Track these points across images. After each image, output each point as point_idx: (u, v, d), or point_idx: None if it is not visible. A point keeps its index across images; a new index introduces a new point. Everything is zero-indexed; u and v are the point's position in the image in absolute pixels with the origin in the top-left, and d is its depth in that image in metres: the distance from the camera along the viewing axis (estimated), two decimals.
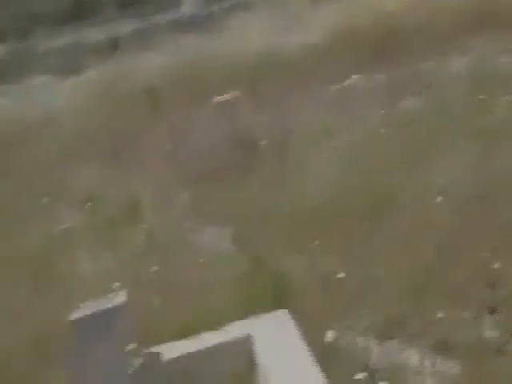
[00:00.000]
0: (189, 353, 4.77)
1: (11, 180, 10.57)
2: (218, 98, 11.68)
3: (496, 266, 5.06)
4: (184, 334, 5.09)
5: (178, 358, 4.73)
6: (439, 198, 6.46)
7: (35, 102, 15.33)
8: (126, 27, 21.91)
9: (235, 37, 16.91)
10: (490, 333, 4.57)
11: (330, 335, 4.91)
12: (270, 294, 5.43)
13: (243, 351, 4.72)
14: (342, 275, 5.52)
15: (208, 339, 4.94)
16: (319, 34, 15.32)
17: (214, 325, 5.06)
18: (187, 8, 22.91)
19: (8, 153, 12.22)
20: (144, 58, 17.16)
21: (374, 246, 5.84)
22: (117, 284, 5.72)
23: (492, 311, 4.79)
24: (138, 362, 4.65)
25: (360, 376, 4.32)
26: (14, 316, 5.90)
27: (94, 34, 22.10)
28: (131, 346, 4.66)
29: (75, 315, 4.74)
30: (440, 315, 4.75)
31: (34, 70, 19.88)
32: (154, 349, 4.81)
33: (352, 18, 15.01)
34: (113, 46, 20.86)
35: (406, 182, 7.08)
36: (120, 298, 4.95)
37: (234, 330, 5.00)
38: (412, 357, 4.62)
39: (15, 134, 13.26)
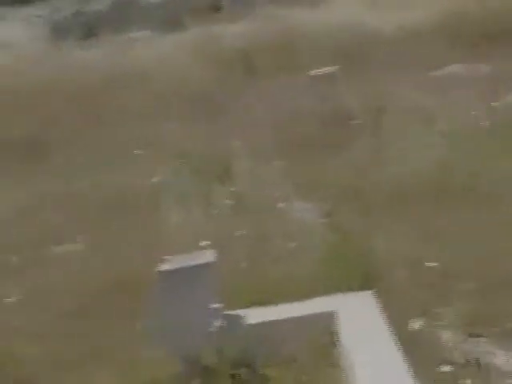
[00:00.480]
0: (271, 320, 4.80)
1: (105, 130, 10.74)
2: (314, 71, 11.55)
3: None
4: (267, 300, 5.09)
5: (261, 323, 4.76)
6: None
7: (133, 55, 15.51)
8: None
9: (335, 12, 16.59)
10: None
11: (415, 324, 4.80)
12: (356, 272, 5.33)
13: (326, 327, 4.69)
14: (433, 264, 5.37)
15: (291, 309, 4.95)
16: (422, 16, 14.85)
17: (298, 296, 5.05)
18: None
19: (104, 103, 12.41)
20: (243, 23, 17.06)
21: (470, 235, 5.66)
22: (204, 242, 5.73)
23: None
24: (219, 321, 4.71)
25: (446, 369, 4.19)
26: (105, 258, 6.02)
27: None
28: (214, 306, 4.75)
29: (162, 267, 4.89)
30: None
31: (135, 23, 20.16)
32: (237, 311, 4.86)
33: (461, 1, 14.52)
34: (215, 7, 20.89)
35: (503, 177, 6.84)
36: (207, 256, 5.04)
37: (317, 304, 5.00)
38: (500, 357, 4.44)
39: (111, 85, 13.43)
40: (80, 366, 4.55)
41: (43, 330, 4.89)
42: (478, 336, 4.67)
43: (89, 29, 20.33)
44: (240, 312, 4.87)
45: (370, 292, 5.03)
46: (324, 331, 4.66)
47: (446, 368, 4.21)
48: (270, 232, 6.26)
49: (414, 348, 4.30)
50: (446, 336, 4.66)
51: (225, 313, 4.79)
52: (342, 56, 12.45)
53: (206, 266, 4.87)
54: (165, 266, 4.91)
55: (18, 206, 7.75)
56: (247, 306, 5.01)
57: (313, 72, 11.65)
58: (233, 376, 4.39)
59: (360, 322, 4.58)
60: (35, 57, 15.38)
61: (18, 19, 19.22)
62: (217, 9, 20.68)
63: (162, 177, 8.22)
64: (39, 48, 17.01)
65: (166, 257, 5.11)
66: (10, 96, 12.27)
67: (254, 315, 4.85)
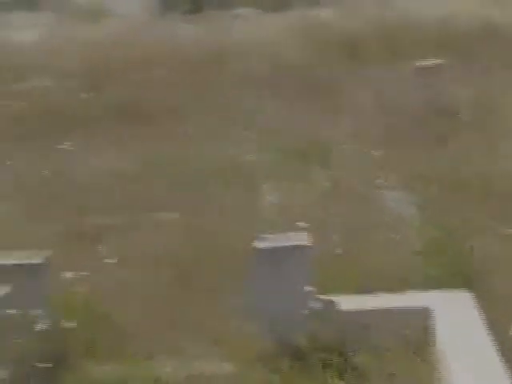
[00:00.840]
0: (365, 309, 4.75)
1: (207, 102, 10.80)
2: (420, 62, 11.27)
3: None
4: (361, 288, 5.03)
5: (354, 311, 4.72)
6: None
7: (237, 31, 15.64)
8: None
9: (446, 4, 16.12)
10: None
11: None
12: (455, 270, 5.19)
13: (420, 322, 4.60)
14: None
15: (386, 300, 4.86)
16: None
17: (393, 287, 4.95)
18: None
19: (206, 76, 12.54)
20: (349, 7, 16.85)
21: None
22: (300, 223, 5.70)
23: None
24: (313, 305, 4.71)
25: None
26: (201, 229, 6.09)
27: None
28: (308, 289, 4.75)
29: (257, 244, 4.91)
30: None
31: (238, 1, 20.46)
32: (331, 296, 4.80)
33: None
34: None
35: None
36: (302, 238, 5.03)
37: (412, 298, 4.91)
38: None
39: (214, 59, 13.59)
40: (171, 331, 4.61)
41: (138, 292, 5.01)
42: None
43: (195, 3, 21.06)
44: (333, 297, 4.82)
45: (468, 292, 4.87)
46: (418, 326, 4.58)
47: None
48: (367, 220, 6.16)
49: None
50: None
51: (318, 297, 4.77)
52: (451, 48, 12.06)
53: (302, 247, 4.88)
54: (260, 244, 4.94)
55: (123, 170, 7.93)
56: (341, 293, 4.95)
57: (419, 63, 11.36)
58: (323, 360, 4.35)
59: (457, 322, 4.45)
60: (143, 27, 15.76)
61: None
62: None
63: (263, 154, 8.23)
64: (148, 19, 17.50)
65: (261, 234, 5.10)
66: (118, 63, 12.59)
67: (348, 302, 4.80)
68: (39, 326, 4.39)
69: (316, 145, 8.21)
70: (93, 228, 6.41)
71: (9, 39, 15.15)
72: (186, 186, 7.25)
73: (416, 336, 4.52)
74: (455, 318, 4.51)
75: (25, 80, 12.46)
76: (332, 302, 4.76)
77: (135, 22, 16.74)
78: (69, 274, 4.86)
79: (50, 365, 4.24)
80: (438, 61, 11.31)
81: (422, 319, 4.61)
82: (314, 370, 4.40)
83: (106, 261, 5.42)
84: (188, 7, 20.84)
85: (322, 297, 4.79)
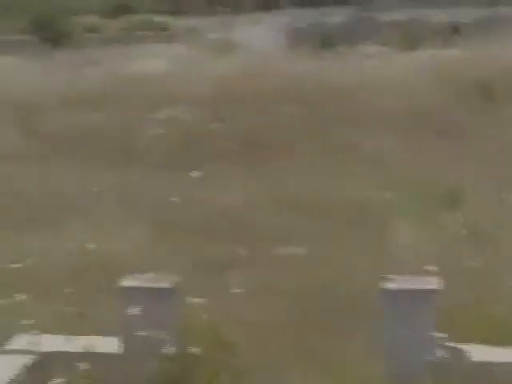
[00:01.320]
0: (496, 361, 4.53)
1: (329, 138, 10.98)
2: None
3: None
4: (492, 339, 4.80)
5: (484, 362, 4.51)
6: None
7: (367, 68, 15.82)
8: (469, 14, 21.55)
9: None
10: None
11: None
12: None
13: None
14: None
15: None
16: None
17: None
18: None
19: (332, 111, 12.75)
20: (483, 47, 16.64)
21: None
22: (429, 267, 5.58)
23: None
24: (440, 352, 4.57)
25: None
26: (327, 266, 6.13)
27: (435, 14, 22.09)
28: (435, 334, 4.62)
29: (386, 284, 4.87)
30: None
31: (370, 38, 20.67)
32: (459, 345, 4.65)
33: None
34: (453, 30, 20.80)
35: None
36: (432, 282, 4.91)
37: None
38: None
39: (342, 94, 13.77)
40: (296, 366, 4.67)
41: (264, 324, 5.09)
42: None
43: (325, 39, 21.46)
44: (462, 346, 4.66)
45: None
46: None
47: None
48: (500, 267, 5.92)
49: None
50: None
51: (446, 344, 4.64)
52: None
53: (431, 292, 4.78)
54: (389, 285, 4.88)
55: (250, 201, 8.16)
56: (469, 342, 4.75)
57: None
58: None
59: None
60: (272, 61, 16.35)
61: (267, 23, 20.87)
62: (455, 31, 20.53)
63: (390, 193, 8.18)
64: (277, 53, 18.13)
65: (389, 275, 5.05)
66: (247, 95, 13.10)
67: (477, 352, 4.61)
68: (166, 349, 4.51)
69: (446, 186, 8.08)
70: (221, 257, 6.58)
71: (143, 69, 16.16)
72: (313, 220, 7.34)
73: None
74: None
75: (159, 109, 13.20)
76: (461, 350, 4.60)
77: (265, 56, 17.34)
78: (196, 300, 4.98)
79: None
80: None
81: None
82: None
83: (233, 290, 5.53)
84: (318, 43, 21.34)
85: (450, 344, 4.64)
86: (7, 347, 4.84)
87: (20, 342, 4.87)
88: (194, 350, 4.57)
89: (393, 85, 13.82)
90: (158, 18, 26.29)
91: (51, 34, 22.83)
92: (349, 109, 12.43)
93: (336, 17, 23.88)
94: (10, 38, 22.47)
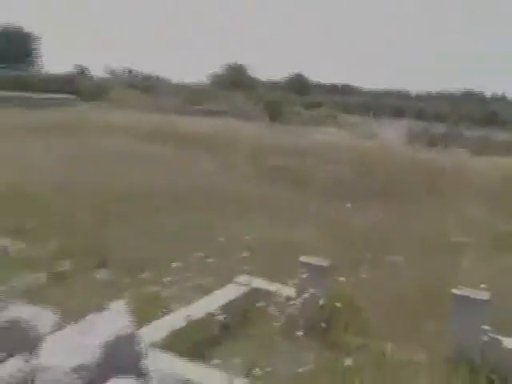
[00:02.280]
0: None
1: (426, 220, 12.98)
2: None
3: None
4: None
5: None
6: None
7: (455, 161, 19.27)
8: None
9: None
10: None
11: None
12: None
13: None
14: None
15: None
16: None
17: None
18: None
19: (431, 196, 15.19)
20: None
21: None
22: (482, 285, 6.74)
23: None
24: (486, 339, 6.21)
25: None
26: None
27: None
28: (485, 327, 6.21)
29: (456, 291, 6.53)
30: None
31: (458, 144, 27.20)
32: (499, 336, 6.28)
33: None
34: None
35: None
36: (485, 294, 6.46)
37: None
38: None
39: (444, 183, 16.36)
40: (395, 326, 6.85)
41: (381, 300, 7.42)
42: None
43: (432, 140, 27.47)
44: (502, 337, 6.27)
45: None
46: None
47: None
48: None
49: None
50: None
51: (491, 335, 6.21)
52: None
53: (484, 301, 6.33)
54: (458, 292, 6.55)
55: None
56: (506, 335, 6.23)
57: None
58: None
59: None
60: (395, 149, 19.97)
61: (396, 125, 27.35)
62: None
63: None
64: (400, 145, 22.36)
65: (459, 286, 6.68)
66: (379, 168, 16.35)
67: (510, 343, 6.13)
68: (321, 301, 6.92)
69: None
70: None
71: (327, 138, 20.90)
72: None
73: None
74: None
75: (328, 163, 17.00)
76: (498, 339, 6.23)
77: (392, 142, 21.81)
78: (341, 279, 7.39)
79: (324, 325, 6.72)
80: None
81: None
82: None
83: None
84: (427, 142, 27.00)
85: (493, 335, 6.23)
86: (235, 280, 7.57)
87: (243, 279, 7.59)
88: (337, 304, 6.95)
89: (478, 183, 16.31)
90: (334, 113, 40.36)
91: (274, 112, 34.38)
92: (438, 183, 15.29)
93: (439, 128, 33.71)
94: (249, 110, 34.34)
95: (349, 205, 11.31)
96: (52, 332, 4.03)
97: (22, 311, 4.12)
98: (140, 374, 3.74)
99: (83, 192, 11.91)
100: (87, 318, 4.03)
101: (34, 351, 3.82)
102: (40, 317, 4.14)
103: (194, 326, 6.24)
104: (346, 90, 59.40)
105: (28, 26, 51.07)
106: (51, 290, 7.04)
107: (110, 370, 3.62)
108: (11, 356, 3.81)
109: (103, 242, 8.75)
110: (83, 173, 13.99)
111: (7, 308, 4.30)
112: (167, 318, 6.45)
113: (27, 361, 3.74)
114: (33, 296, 6.28)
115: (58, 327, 4.14)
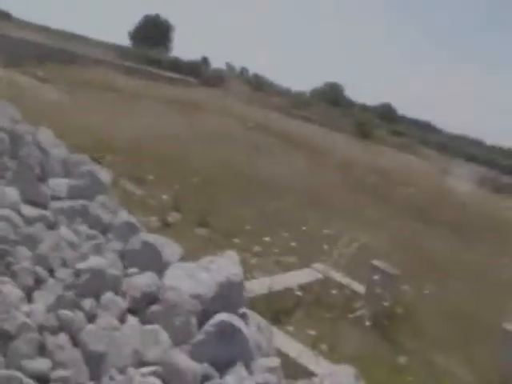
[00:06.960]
0: None
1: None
2: None
3: None
4: None
5: None
6: None
7: None
8: None
9: None
10: None
11: None
12: None
13: None
14: None
15: None
16: None
17: None
18: None
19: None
20: None
21: None
22: None
23: None
24: None
25: None
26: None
27: None
28: None
29: (506, 326, 6.79)
30: None
31: None
32: None
33: None
34: None
35: None
36: None
37: None
38: None
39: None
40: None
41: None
42: None
43: (500, 188, 27.95)
44: None
45: None
46: None
47: None
48: None
49: None
50: None
51: None
52: None
53: None
54: (508, 326, 6.76)
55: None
56: None
57: None
58: None
59: None
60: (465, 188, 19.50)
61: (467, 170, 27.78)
62: None
63: None
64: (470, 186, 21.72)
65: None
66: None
67: None
68: (384, 303, 7.05)
69: None
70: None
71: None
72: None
73: None
74: None
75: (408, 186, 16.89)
76: None
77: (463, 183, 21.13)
78: (405, 287, 7.62)
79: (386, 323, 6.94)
80: None
81: None
82: None
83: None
84: (495, 188, 26.01)
85: None
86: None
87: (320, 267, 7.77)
88: (399, 309, 7.15)
89: None
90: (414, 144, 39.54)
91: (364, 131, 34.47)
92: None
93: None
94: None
95: (421, 226, 11.28)
96: (177, 262, 4.27)
97: (153, 238, 4.36)
98: (242, 317, 3.90)
99: (202, 161, 12.29)
100: (206, 259, 4.23)
101: (161, 273, 4.06)
102: (168, 246, 4.39)
103: (274, 295, 6.39)
104: (426, 127, 59.02)
105: (167, 16, 53.28)
106: (161, 233, 7.35)
107: (219, 306, 3.81)
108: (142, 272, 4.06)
109: (209, 207, 9.02)
110: (208, 146, 14.31)
111: (139, 233, 4.55)
112: (253, 281, 6.63)
113: (156, 279, 3.97)
114: None
115: (182, 259, 4.37)
